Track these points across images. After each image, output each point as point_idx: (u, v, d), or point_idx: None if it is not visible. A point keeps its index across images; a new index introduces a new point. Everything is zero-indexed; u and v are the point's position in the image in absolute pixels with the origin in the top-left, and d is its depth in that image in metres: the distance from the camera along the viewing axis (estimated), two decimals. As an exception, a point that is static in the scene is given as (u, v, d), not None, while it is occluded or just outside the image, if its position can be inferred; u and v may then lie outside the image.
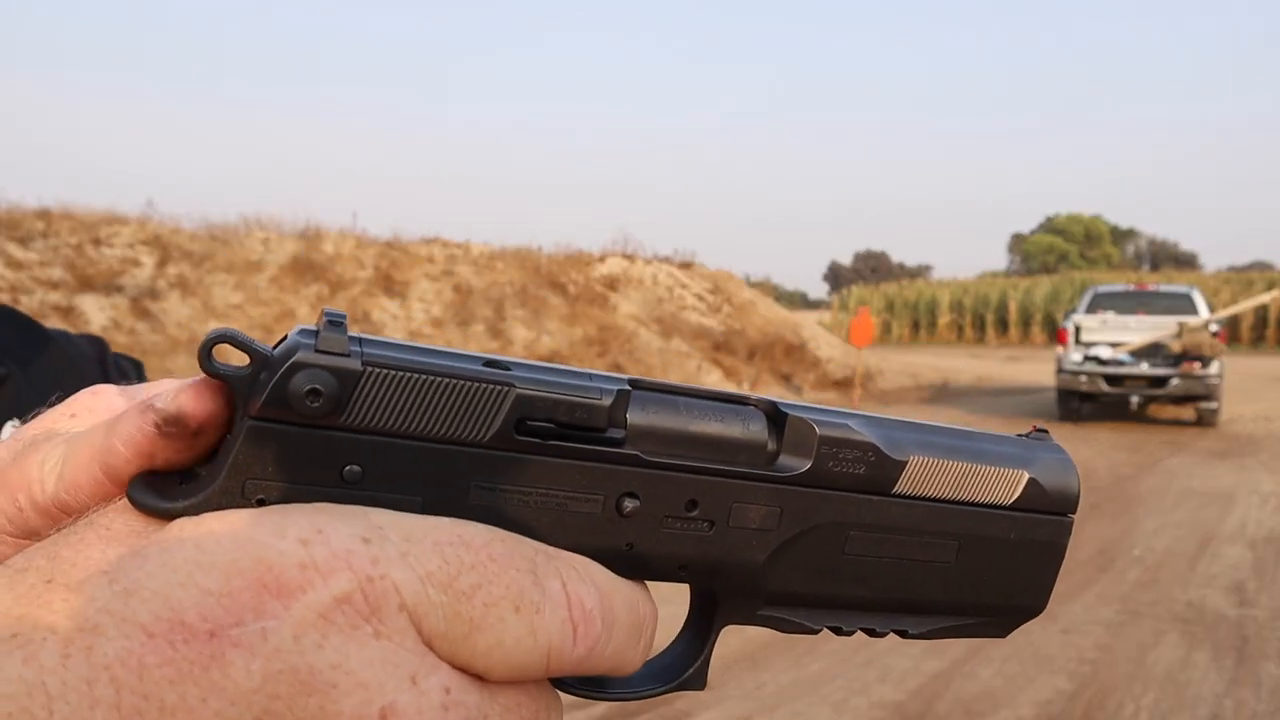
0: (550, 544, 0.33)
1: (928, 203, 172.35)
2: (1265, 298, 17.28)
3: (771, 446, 0.37)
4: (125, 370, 0.95)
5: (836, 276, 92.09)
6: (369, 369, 0.31)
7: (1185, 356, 13.87)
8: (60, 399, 0.38)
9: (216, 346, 0.30)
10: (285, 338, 0.32)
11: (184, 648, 0.26)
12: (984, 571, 0.42)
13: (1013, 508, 0.42)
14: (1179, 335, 14.03)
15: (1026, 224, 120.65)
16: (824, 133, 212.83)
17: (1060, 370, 14.81)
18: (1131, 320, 14.98)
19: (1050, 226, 77.06)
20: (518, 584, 0.30)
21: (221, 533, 0.28)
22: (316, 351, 0.30)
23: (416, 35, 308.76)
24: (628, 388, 0.35)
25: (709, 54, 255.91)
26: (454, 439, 0.32)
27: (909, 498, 0.40)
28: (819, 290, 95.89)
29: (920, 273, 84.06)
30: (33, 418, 0.39)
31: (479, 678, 0.30)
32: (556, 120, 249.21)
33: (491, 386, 0.32)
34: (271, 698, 0.26)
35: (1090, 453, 11.82)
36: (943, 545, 0.41)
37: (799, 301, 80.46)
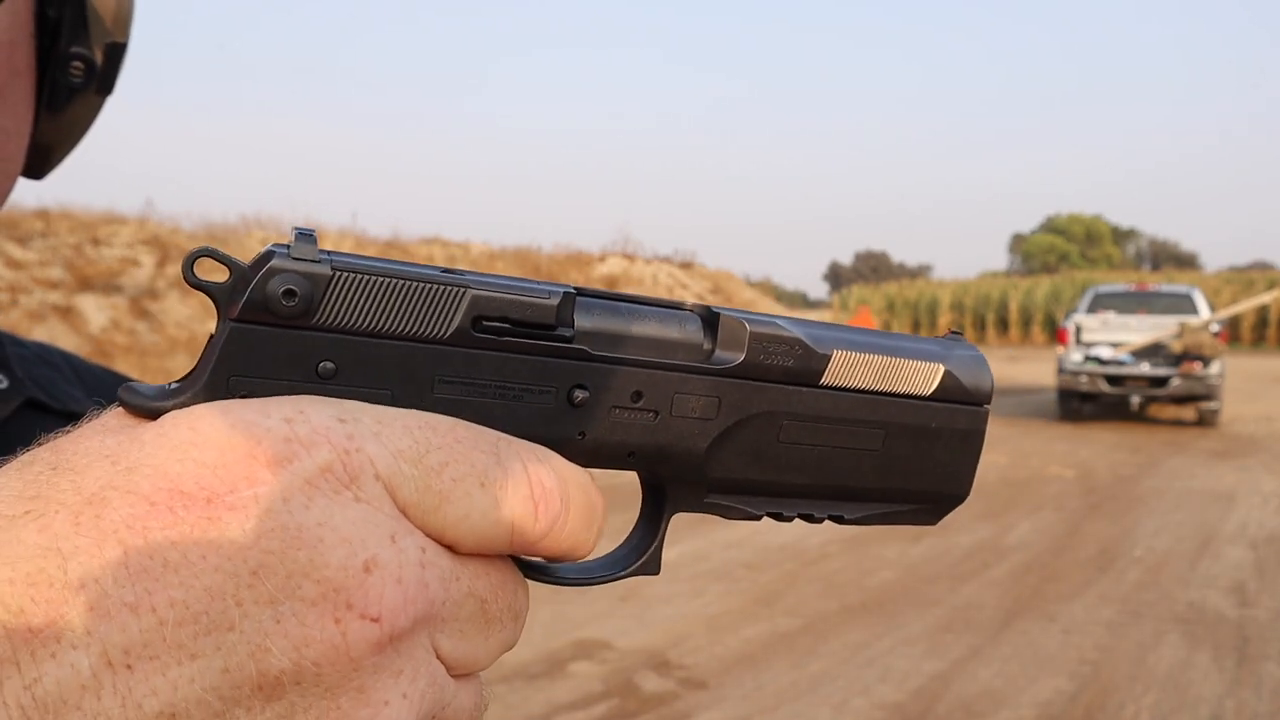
0: (510, 433, 0.36)
1: (928, 202, 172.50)
2: (1266, 298, 17.28)
3: (707, 345, 0.41)
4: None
5: (836, 276, 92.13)
6: (338, 273, 0.34)
7: (1186, 356, 13.86)
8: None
9: (198, 261, 0.34)
10: (262, 252, 0.34)
11: (184, 512, 0.29)
12: (910, 458, 0.45)
13: (931, 398, 0.45)
14: (1180, 335, 14.02)
15: (1027, 224, 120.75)
16: (824, 133, 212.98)
17: (1061, 370, 14.80)
18: (1132, 320, 14.97)
19: (1051, 226, 77.06)
20: (482, 463, 0.33)
21: (211, 415, 0.31)
22: (290, 258, 0.33)
23: (417, 37, 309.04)
24: (573, 291, 0.38)
25: (710, 54, 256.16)
26: (418, 336, 0.35)
27: (835, 389, 0.43)
28: (819, 290, 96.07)
29: (920, 272, 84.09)
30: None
31: (449, 548, 0.33)
32: (556, 120, 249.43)
33: (450, 288, 0.35)
34: (265, 552, 0.29)
35: (1090, 453, 11.81)
36: (869, 433, 0.44)
37: (799, 301, 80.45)
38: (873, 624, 5.43)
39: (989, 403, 0.47)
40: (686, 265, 22.82)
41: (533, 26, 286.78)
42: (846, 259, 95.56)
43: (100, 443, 0.31)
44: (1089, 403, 15.25)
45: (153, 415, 0.33)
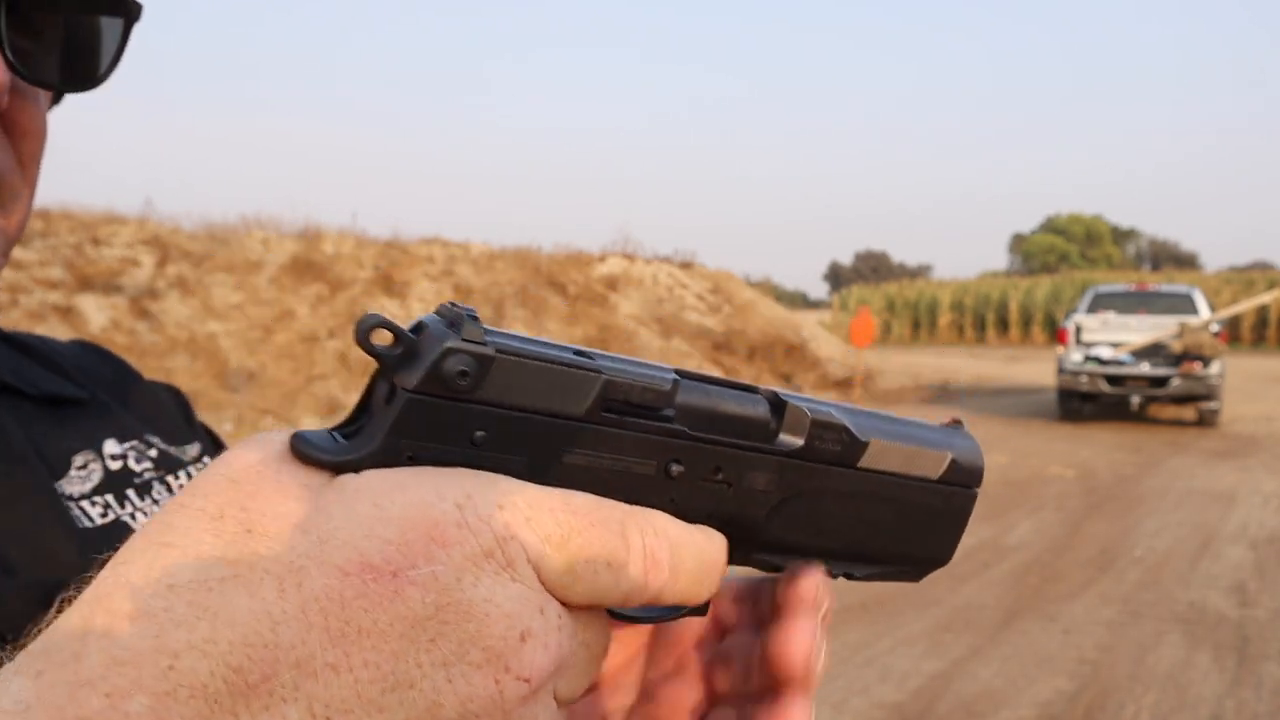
0: (618, 498, 0.41)
1: (928, 202, 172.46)
2: (1266, 298, 17.30)
3: (774, 427, 0.47)
4: (200, 426, 0.94)
5: (836, 276, 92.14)
6: (500, 355, 0.38)
7: (1186, 356, 13.86)
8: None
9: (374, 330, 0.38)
10: (421, 323, 0.39)
11: (373, 584, 0.33)
12: (914, 530, 0.53)
13: (938, 481, 0.52)
14: (1180, 335, 14.02)
15: (1027, 224, 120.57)
16: (824, 133, 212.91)
17: (1061, 370, 14.81)
18: (1132, 320, 14.97)
19: (1051, 226, 77.04)
20: (610, 544, 0.38)
21: (391, 491, 0.35)
22: (463, 340, 0.37)
23: (417, 37, 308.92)
24: (678, 377, 0.44)
25: (710, 54, 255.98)
26: (556, 413, 0.40)
27: (868, 471, 0.50)
28: (819, 290, 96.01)
29: (920, 273, 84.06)
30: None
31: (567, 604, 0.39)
32: (556, 120, 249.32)
33: (589, 374, 0.41)
34: (441, 623, 0.34)
35: (1091, 453, 11.81)
36: (887, 508, 0.51)
37: (799, 301, 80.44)
38: (872, 624, 5.43)
39: (980, 485, 0.55)
40: (686, 265, 22.80)
41: (533, 26, 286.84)
42: (846, 259, 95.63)
43: (287, 508, 0.35)
44: (1089, 403, 15.25)
45: (329, 470, 0.37)
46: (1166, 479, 10.05)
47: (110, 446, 0.79)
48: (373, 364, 0.39)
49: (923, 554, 0.54)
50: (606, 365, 0.41)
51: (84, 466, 0.76)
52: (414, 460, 0.37)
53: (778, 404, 0.48)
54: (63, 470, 0.74)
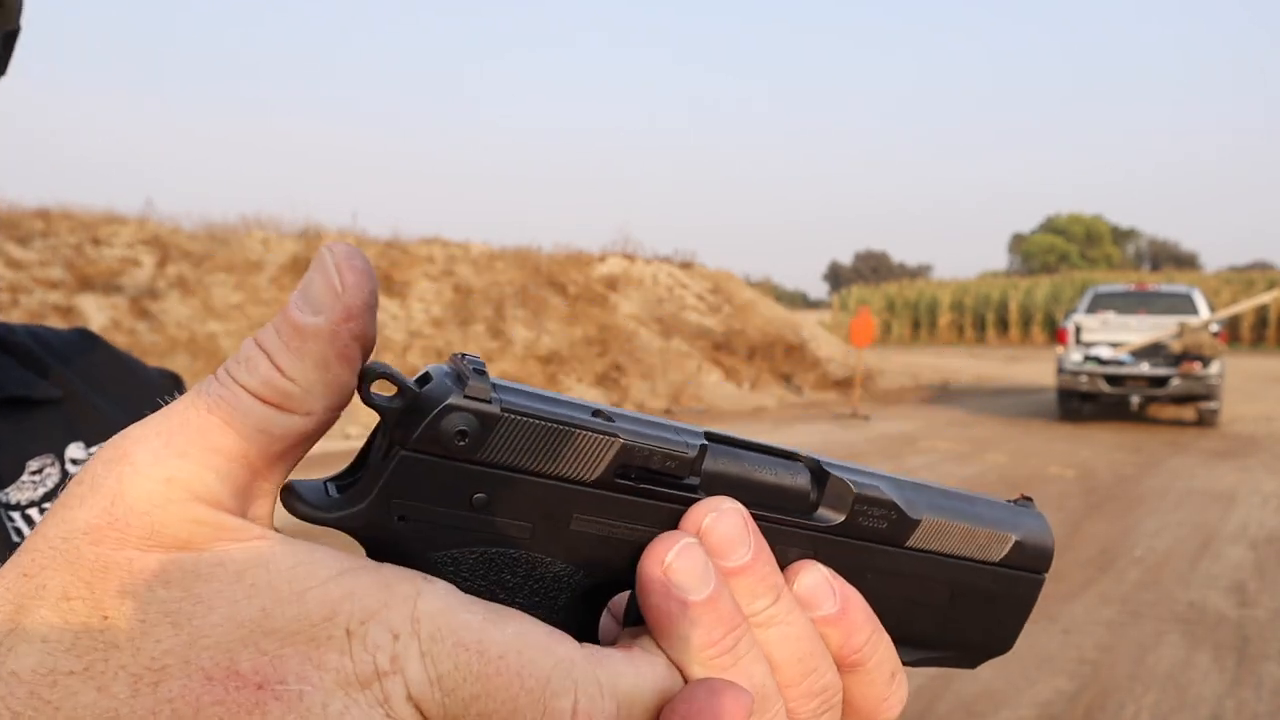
0: (631, 571, 0.38)
1: (928, 203, 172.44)
2: (1266, 298, 17.28)
3: (813, 498, 0.43)
4: None
5: (836, 276, 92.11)
6: (506, 414, 0.35)
7: (1186, 356, 13.86)
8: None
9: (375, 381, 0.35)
10: (426, 374, 0.37)
11: (236, 693, 0.31)
12: (969, 615, 0.48)
13: (999, 564, 0.48)
14: (1179, 335, 14.02)
15: (1027, 224, 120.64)
16: (824, 133, 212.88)
17: (1061, 370, 14.80)
18: (1132, 320, 14.97)
19: (1051, 226, 77.03)
20: (516, 702, 0.34)
21: (286, 601, 0.32)
22: (465, 396, 0.35)
23: (417, 37, 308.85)
24: (706, 442, 0.41)
25: (710, 54, 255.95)
26: (565, 478, 0.37)
27: (918, 551, 0.46)
28: (819, 290, 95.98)
29: (920, 273, 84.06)
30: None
31: None
32: (557, 120, 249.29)
33: (603, 437, 0.37)
34: None
35: (1090, 453, 11.81)
36: (940, 590, 0.47)
37: (799, 301, 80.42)
38: (873, 624, 5.43)
39: (1047, 570, 0.50)
40: (686, 265, 22.80)
41: (533, 26, 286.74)
42: (846, 259, 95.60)
43: (158, 595, 0.31)
44: (1089, 403, 15.25)
45: (321, 524, 0.35)
46: (1166, 479, 10.05)
47: (74, 450, 0.78)
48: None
49: (979, 641, 0.50)
50: (625, 428, 0.38)
51: (39, 471, 0.75)
52: (404, 520, 0.35)
53: (819, 474, 0.44)
54: (13, 476, 0.73)
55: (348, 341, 0.34)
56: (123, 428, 0.34)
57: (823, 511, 0.43)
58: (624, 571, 0.39)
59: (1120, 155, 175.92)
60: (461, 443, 0.35)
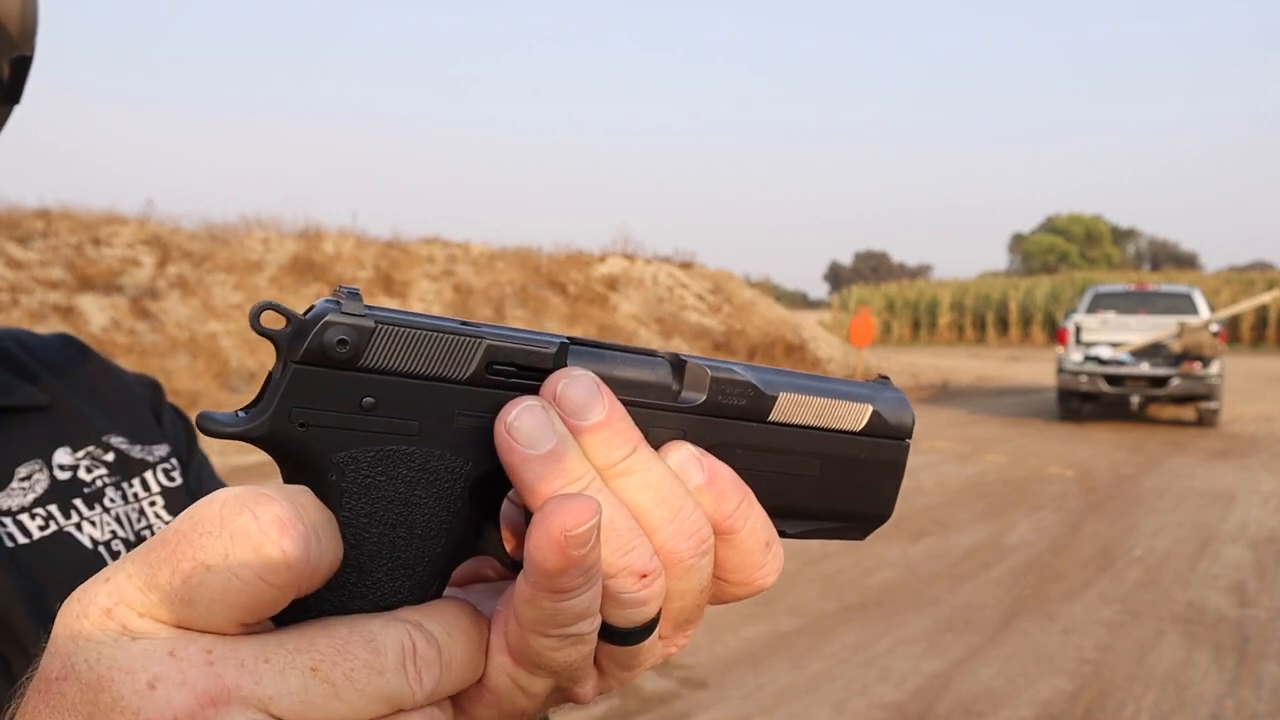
0: None
1: (928, 203, 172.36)
2: (1265, 298, 17.25)
3: (675, 387, 0.48)
4: (173, 422, 0.94)
5: (836, 276, 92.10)
6: (379, 325, 0.41)
7: (1186, 356, 13.86)
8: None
9: (264, 313, 0.40)
10: (313, 307, 0.41)
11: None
12: (841, 484, 0.53)
13: (861, 433, 0.52)
14: (1179, 335, 14.02)
15: (1027, 224, 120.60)
16: (824, 132, 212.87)
17: (1061, 370, 14.80)
18: (1132, 320, 14.97)
19: (1051, 226, 77.03)
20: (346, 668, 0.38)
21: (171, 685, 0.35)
22: (342, 313, 0.40)
23: (417, 36, 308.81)
24: (568, 342, 0.45)
25: (710, 54, 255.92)
26: (442, 378, 0.42)
27: (780, 424, 0.50)
28: (819, 290, 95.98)
29: (920, 273, 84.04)
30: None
31: None
32: (556, 120, 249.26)
33: (470, 339, 0.43)
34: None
35: (1090, 453, 11.81)
36: (808, 462, 0.51)
37: (799, 301, 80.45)
38: (872, 624, 5.44)
39: (910, 437, 0.54)
40: (686, 265, 22.80)
41: (534, 26, 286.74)
42: (846, 259, 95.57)
43: (71, 702, 0.35)
44: (1089, 403, 15.25)
45: (230, 439, 0.40)
46: (1166, 479, 10.05)
47: (61, 456, 0.78)
48: None
49: (859, 509, 0.54)
50: (490, 332, 0.43)
51: (28, 478, 0.75)
52: (304, 427, 0.40)
53: (678, 364, 0.48)
54: (3, 483, 0.73)
55: None
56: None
57: (685, 394, 0.48)
58: None
59: (1120, 155, 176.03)
60: (343, 351, 0.40)
